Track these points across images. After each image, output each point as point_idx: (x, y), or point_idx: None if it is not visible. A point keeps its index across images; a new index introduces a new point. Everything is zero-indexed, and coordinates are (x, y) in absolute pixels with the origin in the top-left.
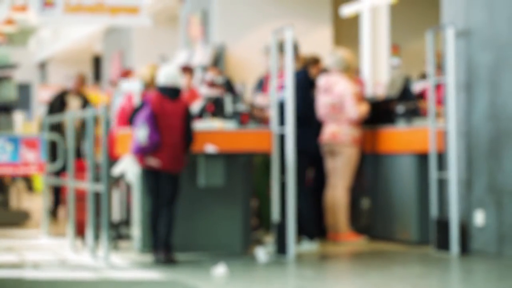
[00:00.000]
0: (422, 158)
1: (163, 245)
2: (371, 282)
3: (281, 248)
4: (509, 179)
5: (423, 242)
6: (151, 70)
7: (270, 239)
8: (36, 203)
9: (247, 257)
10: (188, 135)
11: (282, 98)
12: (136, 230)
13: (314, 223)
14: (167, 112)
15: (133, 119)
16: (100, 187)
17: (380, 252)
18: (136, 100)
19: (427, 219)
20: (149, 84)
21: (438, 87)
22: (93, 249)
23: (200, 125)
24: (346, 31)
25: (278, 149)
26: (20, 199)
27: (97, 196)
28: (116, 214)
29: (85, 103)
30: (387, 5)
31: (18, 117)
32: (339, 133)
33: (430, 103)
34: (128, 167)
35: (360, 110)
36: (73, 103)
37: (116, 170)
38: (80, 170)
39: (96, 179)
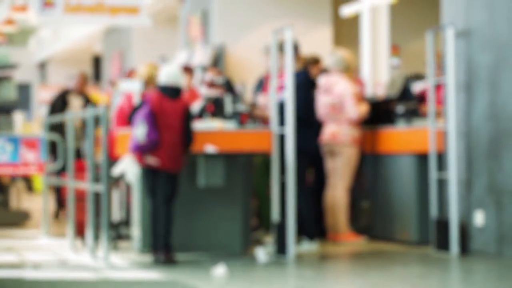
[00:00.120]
0: (422, 158)
1: (162, 246)
2: (371, 282)
3: (281, 248)
4: (509, 179)
5: (423, 242)
6: (149, 69)
7: (270, 239)
8: (36, 203)
9: (247, 257)
10: (187, 135)
11: (282, 98)
12: (136, 230)
13: (314, 223)
14: (166, 111)
15: (133, 118)
16: (100, 187)
17: (380, 252)
18: (136, 100)
19: (427, 219)
20: (148, 83)
21: (438, 87)
22: (93, 249)
23: (200, 125)
24: (346, 31)
25: (278, 149)
26: (20, 199)
27: (97, 196)
28: (116, 214)
29: (87, 102)
30: (387, 5)
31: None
32: (339, 133)
33: (430, 103)
34: (128, 167)
35: (360, 110)
36: (75, 102)
37: (116, 170)
38: (80, 170)
39: (96, 179)
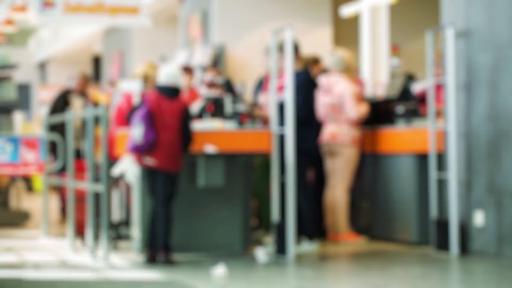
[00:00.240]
0: (422, 159)
1: (161, 246)
2: (371, 282)
3: (281, 248)
4: (508, 179)
5: (423, 242)
6: (145, 68)
7: (269, 240)
8: (36, 203)
9: (247, 257)
10: (186, 135)
11: (282, 98)
12: (135, 231)
13: (314, 224)
14: (164, 111)
15: (131, 118)
16: (100, 188)
17: (380, 253)
18: (136, 100)
19: (427, 219)
20: (145, 82)
21: (438, 87)
22: (92, 249)
23: (200, 126)
24: (346, 31)
25: (278, 149)
26: (19, 200)
27: (96, 196)
28: (116, 215)
29: (89, 103)
30: (387, 6)
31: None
32: (338, 133)
33: (429, 104)
34: (128, 168)
35: (360, 110)
36: (77, 103)
37: (116, 170)
38: (80, 170)
39: (96, 179)
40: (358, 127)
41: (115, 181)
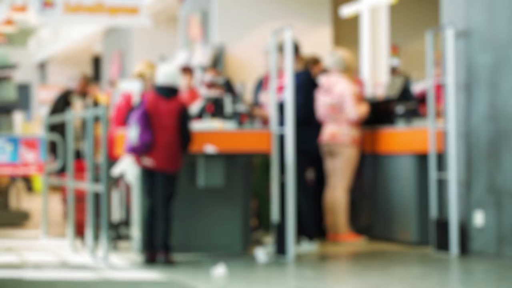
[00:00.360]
0: (422, 159)
1: (161, 246)
2: (371, 282)
3: (281, 248)
4: (508, 179)
5: (423, 242)
6: (143, 67)
7: (269, 240)
8: (36, 204)
9: (247, 257)
10: (184, 135)
11: (283, 98)
12: (135, 231)
13: (313, 224)
14: (161, 111)
15: (129, 119)
16: (100, 188)
17: (380, 253)
18: (136, 100)
19: (427, 219)
20: (144, 81)
21: (438, 87)
22: (92, 249)
23: (200, 126)
24: (346, 32)
25: (278, 150)
26: (19, 200)
27: (96, 196)
28: (116, 215)
29: (91, 103)
30: (386, 6)
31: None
32: (338, 133)
33: (429, 104)
34: (128, 168)
35: (360, 110)
36: (78, 104)
37: (116, 170)
38: (79, 170)
39: (96, 179)
40: (358, 127)
41: (115, 181)
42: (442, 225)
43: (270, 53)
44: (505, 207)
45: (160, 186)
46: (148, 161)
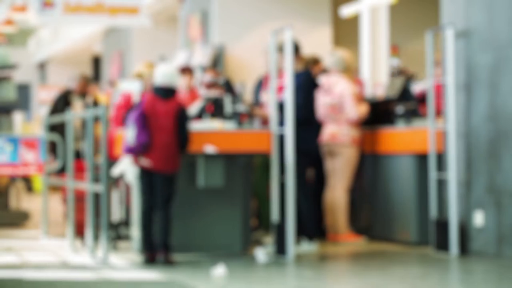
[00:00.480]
0: (422, 159)
1: (161, 246)
2: (371, 282)
3: (281, 248)
4: (508, 179)
5: (423, 242)
6: (142, 67)
7: (269, 240)
8: (35, 204)
9: (247, 257)
10: (181, 136)
11: (283, 99)
12: (135, 231)
13: (313, 224)
14: (158, 112)
15: (126, 119)
16: (100, 188)
17: (380, 253)
18: (136, 100)
19: (427, 219)
20: (142, 80)
21: (438, 87)
22: (92, 249)
23: (200, 126)
24: (346, 32)
25: (277, 150)
26: (19, 200)
27: (96, 196)
28: (116, 215)
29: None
30: (386, 6)
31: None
32: (338, 133)
33: (429, 104)
34: (128, 168)
35: (360, 110)
36: (78, 104)
37: (116, 170)
38: (79, 170)
39: (96, 179)
40: (358, 127)
41: (114, 181)
42: (442, 225)
43: (270, 53)
44: (505, 207)
45: (159, 187)
46: (146, 162)
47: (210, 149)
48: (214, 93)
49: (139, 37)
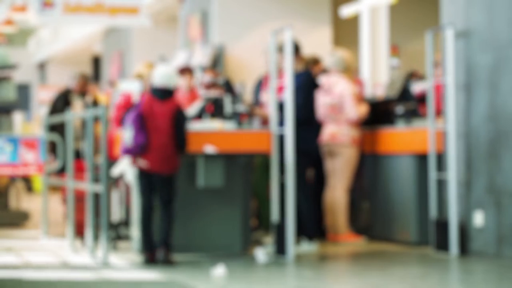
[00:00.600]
0: (422, 159)
1: (161, 243)
2: (371, 282)
3: (281, 248)
4: (508, 180)
5: (423, 242)
6: (141, 67)
7: (269, 240)
8: (35, 204)
9: (247, 257)
10: (179, 137)
11: (283, 99)
12: (135, 231)
13: (313, 224)
14: (156, 113)
15: (124, 120)
16: (100, 188)
17: (380, 253)
18: (136, 100)
19: (427, 219)
20: (142, 80)
21: (438, 87)
22: (92, 249)
23: (200, 126)
24: (346, 32)
25: (277, 150)
26: (19, 200)
27: (96, 196)
28: (116, 215)
29: (90, 103)
30: (386, 6)
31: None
32: (338, 133)
33: (429, 104)
34: (127, 168)
35: (359, 110)
36: (78, 103)
37: (115, 170)
38: (79, 170)
39: (96, 179)
40: (357, 127)
41: (114, 182)
42: (442, 225)
43: (270, 53)
44: (505, 207)
45: (159, 188)
46: (143, 163)
47: (210, 149)
48: (214, 93)
49: (139, 37)
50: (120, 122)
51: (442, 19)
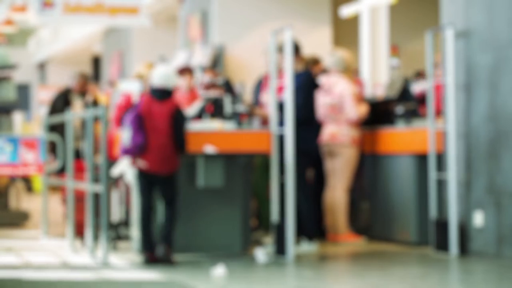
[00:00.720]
0: (421, 159)
1: (162, 240)
2: (371, 282)
3: (281, 248)
4: (508, 180)
5: (422, 243)
6: (141, 68)
7: (269, 240)
8: (35, 204)
9: (247, 257)
10: (178, 137)
11: (283, 99)
12: (135, 231)
13: (313, 224)
14: (154, 113)
15: (123, 120)
16: (99, 188)
17: (379, 253)
18: (136, 100)
19: (426, 220)
20: (142, 80)
21: (438, 87)
22: (92, 249)
23: (199, 126)
24: (346, 32)
25: (277, 150)
26: (19, 200)
27: (96, 196)
28: (115, 215)
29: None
30: (386, 6)
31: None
32: (338, 133)
33: (429, 104)
34: (127, 168)
35: (359, 110)
36: (77, 103)
37: (115, 170)
38: (79, 170)
39: (96, 179)
40: (357, 127)
41: (114, 182)
42: (442, 225)
43: (270, 53)
44: (505, 207)
45: (160, 188)
46: (142, 163)
47: (210, 149)
48: (213, 93)
49: (139, 37)
50: (120, 122)
51: (442, 19)
